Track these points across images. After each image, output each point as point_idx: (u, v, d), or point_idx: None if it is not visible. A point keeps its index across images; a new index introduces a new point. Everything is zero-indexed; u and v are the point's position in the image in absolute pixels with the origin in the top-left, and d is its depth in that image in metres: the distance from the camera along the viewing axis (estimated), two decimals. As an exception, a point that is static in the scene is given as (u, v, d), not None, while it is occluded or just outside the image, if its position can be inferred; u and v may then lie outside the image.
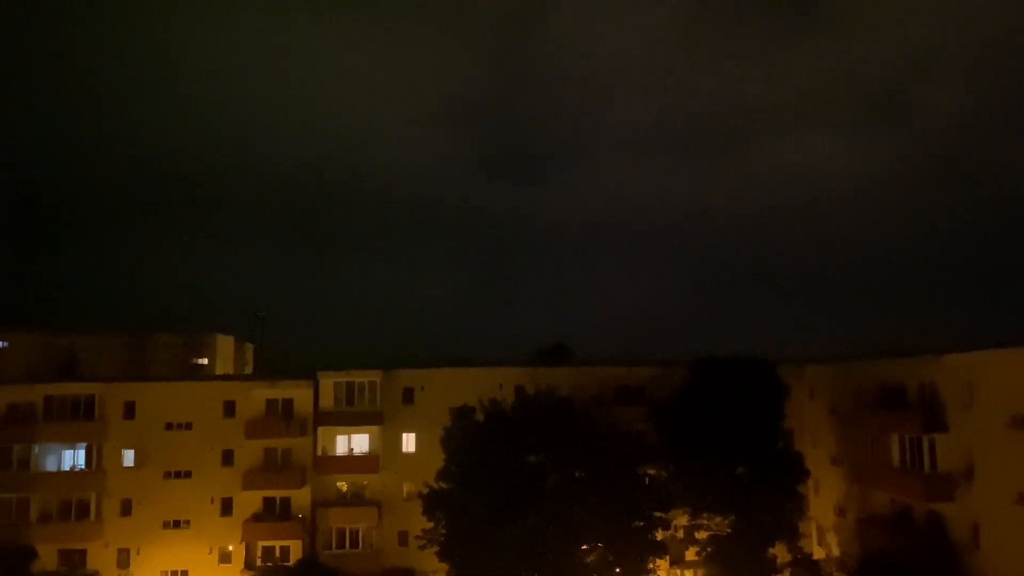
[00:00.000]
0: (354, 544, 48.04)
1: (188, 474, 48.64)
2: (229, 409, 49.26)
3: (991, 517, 33.87)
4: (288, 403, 49.62)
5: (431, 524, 41.42)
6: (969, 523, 35.24)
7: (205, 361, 75.90)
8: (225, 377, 65.26)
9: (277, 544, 47.97)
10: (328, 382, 49.54)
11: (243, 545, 47.82)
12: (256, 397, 49.52)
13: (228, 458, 48.73)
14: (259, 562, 46.95)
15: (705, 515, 42.80)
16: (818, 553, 46.56)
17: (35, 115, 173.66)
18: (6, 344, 68.23)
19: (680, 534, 44.21)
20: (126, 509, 48.16)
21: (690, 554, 44.73)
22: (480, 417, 42.41)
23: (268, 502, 48.61)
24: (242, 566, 47.22)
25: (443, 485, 41.34)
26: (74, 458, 48.98)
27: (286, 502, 48.66)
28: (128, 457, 48.68)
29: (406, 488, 47.69)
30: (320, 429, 49.26)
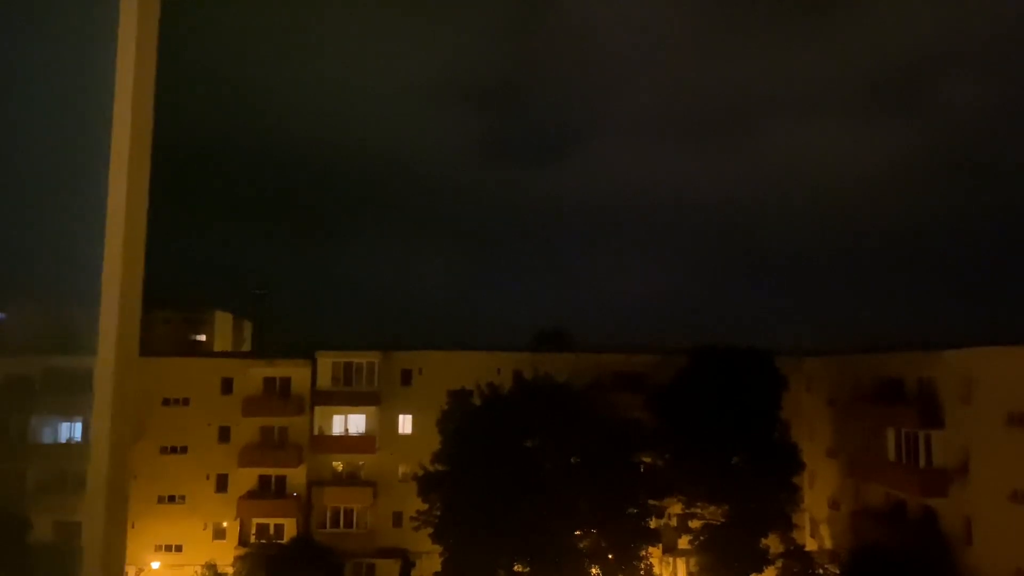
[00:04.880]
0: (348, 523, 48.18)
1: (184, 449, 48.69)
2: (227, 386, 49.27)
3: (984, 513, 34.00)
4: (286, 382, 49.66)
5: (426, 506, 41.57)
6: (962, 518, 35.39)
7: (204, 337, 76.01)
8: (223, 354, 65.28)
9: (272, 522, 48.06)
10: (326, 362, 49.53)
11: (238, 522, 47.96)
12: (254, 375, 49.51)
13: (225, 435, 48.77)
14: (253, 539, 47.05)
15: (699, 504, 42.90)
16: (811, 545, 46.71)
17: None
18: (4, 316, 68.12)
19: (674, 522, 44.36)
20: (122, 483, 48.20)
21: (683, 542, 44.93)
22: (477, 401, 42.45)
23: (264, 480, 48.70)
24: (236, 542, 47.29)
25: (439, 467, 41.43)
26: (71, 431, 48.89)
27: (281, 480, 48.79)
28: (125, 431, 48.71)
29: (402, 469, 47.75)
30: (317, 408, 49.29)
